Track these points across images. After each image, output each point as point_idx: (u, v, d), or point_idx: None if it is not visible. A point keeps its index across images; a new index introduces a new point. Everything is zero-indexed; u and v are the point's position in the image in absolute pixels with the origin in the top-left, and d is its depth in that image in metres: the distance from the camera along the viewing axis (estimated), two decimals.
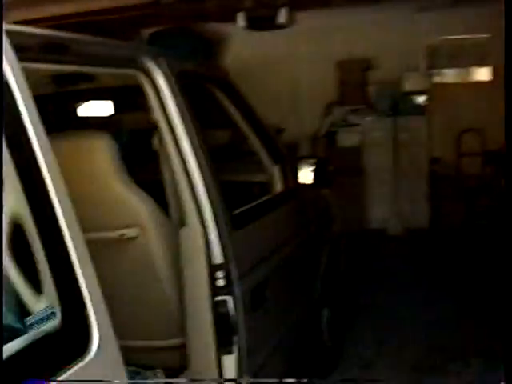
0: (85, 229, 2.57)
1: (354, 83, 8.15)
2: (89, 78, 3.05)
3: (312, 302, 3.73)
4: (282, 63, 8.12)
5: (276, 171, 3.42)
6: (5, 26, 1.44)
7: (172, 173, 2.46)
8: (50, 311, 1.34)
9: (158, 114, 2.42)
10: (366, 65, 8.13)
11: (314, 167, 3.66)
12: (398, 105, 7.92)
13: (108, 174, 2.44)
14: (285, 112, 8.21)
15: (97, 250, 2.61)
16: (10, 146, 1.29)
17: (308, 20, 7.46)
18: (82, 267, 1.47)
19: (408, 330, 4.61)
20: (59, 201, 1.44)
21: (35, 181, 1.39)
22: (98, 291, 1.52)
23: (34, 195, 1.38)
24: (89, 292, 1.46)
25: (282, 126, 8.41)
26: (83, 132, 2.57)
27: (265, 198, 3.27)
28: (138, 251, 2.53)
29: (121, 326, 2.76)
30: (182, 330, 2.53)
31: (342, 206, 4.67)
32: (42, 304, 1.35)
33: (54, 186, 1.43)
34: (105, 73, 2.61)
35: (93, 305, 1.47)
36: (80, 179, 2.49)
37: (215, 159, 2.58)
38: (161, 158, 2.53)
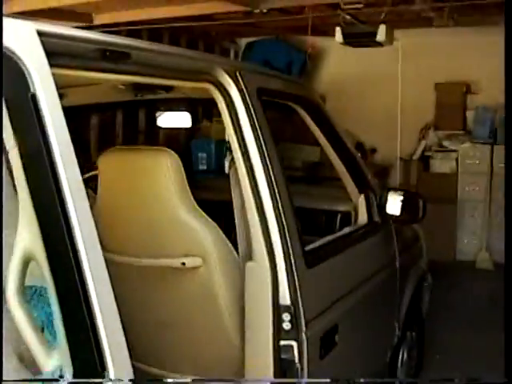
0: (143, 254, 2.39)
1: (452, 107, 7.72)
2: (167, 87, 2.84)
3: (389, 346, 3.41)
4: (378, 82, 7.80)
5: (361, 201, 3.13)
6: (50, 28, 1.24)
7: (242, 199, 2.22)
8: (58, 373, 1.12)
9: (230, 133, 2.18)
10: (465, 88, 7.69)
11: (402, 198, 3.33)
12: (497, 132, 7.43)
13: (172, 196, 2.22)
14: (378, 132, 7.89)
15: (155, 277, 2.43)
16: (28, 174, 1.08)
17: (407, 39, 7.13)
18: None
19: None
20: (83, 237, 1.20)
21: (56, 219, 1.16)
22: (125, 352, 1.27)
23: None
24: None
25: (375, 146, 8.11)
26: (149, 148, 2.37)
27: (345, 230, 2.99)
28: (199, 282, 2.30)
29: (175, 358, 2.57)
30: (241, 370, 2.29)
31: (432, 234, 4.35)
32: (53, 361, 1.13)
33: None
34: (173, 85, 2.40)
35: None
36: (141, 199, 2.29)
37: (294, 180, 2.33)
38: (231, 181, 2.29)
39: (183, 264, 2.24)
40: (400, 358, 3.64)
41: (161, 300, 2.39)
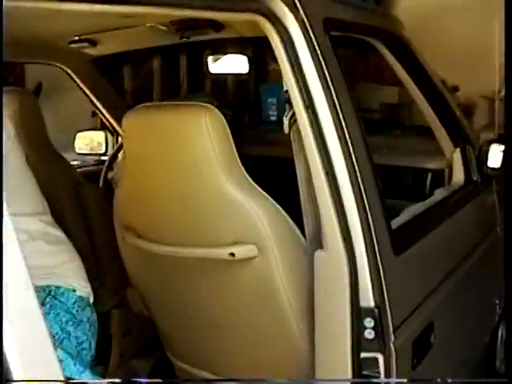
0: (180, 242, 1.89)
1: None
2: (216, 25, 2.28)
3: (490, 328, 2.85)
4: (458, 13, 6.99)
5: (456, 156, 2.54)
6: None
7: (308, 170, 1.67)
8: None
9: (289, 81, 1.62)
10: None
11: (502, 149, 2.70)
12: None
13: (213, 166, 1.69)
14: (460, 69, 7.11)
15: (199, 270, 1.93)
16: None
17: None
18: None
19: None
20: None
21: None
22: None
23: None
24: None
25: (457, 84, 7.35)
26: (182, 105, 1.83)
27: (439, 195, 2.40)
28: (254, 275, 1.78)
29: (228, 362, 2.10)
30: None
31: None
32: None
33: None
34: (216, 18, 1.85)
35: None
36: (174, 172, 1.78)
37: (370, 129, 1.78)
38: (293, 145, 1.73)
39: (232, 255, 1.72)
40: (499, 336, 3.08)
41: (208, 297, 1.89)
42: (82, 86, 2.98)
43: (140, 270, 2.02)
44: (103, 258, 2.42)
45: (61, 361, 1.70)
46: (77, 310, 1.80)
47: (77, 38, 2.56)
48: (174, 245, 1.82)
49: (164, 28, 2.26)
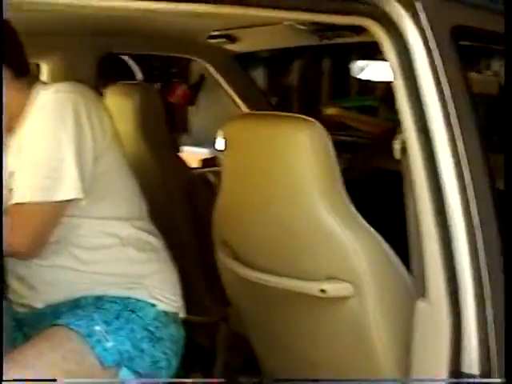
0: (269, 269, 1.68)
1: None
2: (356, 27, 2.07)
3: None
4: None
5: None
6: None
7: (417, 203, 1.42)
8: None
9: (402, 99, 1.38)
10: None
11: None
12: None
13: (312, 189, 1.49)
14: None
15: (290, 301, 1.73)
16: None
17: None
18: None
19: None
20: None
21: None
22: None
23: None
24: None
25: None
26: (284, 116, 1.63)
27: None
28: (345, 317, 1.56)
29: None
30: None
31: None
32: None
33: None
34: (322, 21, 1.63)
35: None
36: (271, 190, 1.60)
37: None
38: (404, 173, 1.48)
39: (323, 291, 1.51)
40: None
41: (299, 330, 1.70)
42: (222, 82, 2.88)
43: (234, 287, 1.87)
44: (212, 265, 2.28)
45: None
46: (156, 327, 1.67)
47: (215, 33, 2.46)
48: (266, 271, 1.64)
49: (303, 28, 2.09)
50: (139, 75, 4.55)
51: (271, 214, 1.60)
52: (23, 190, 1.56)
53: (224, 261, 1.82)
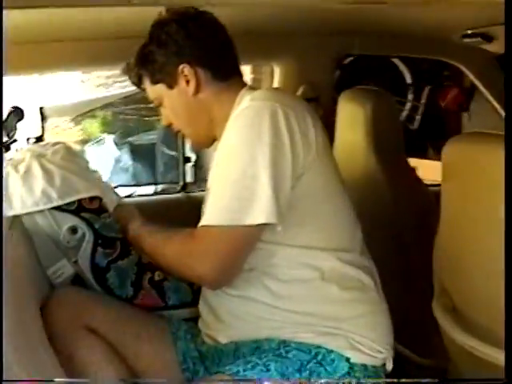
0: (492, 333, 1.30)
1: None
2: None
3: None
4: None
5: None
6: None
7: None
8: None
9: None
10: None
11: None
12: None
13: None
14: None
15: None
16: None
17: None
18: None
19: None
20: None
21: None
22: None
23: None
24: None
25: None
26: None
27: None
28: None
29: None
30: None
31: None
32: None
33: None
34: None
35: None
36: (492, 231, 1.26)
37: None
38: None
39: None
40: None
41: None
42: (481, 87, 2.50)
43: (450, 344, 1.55)
44: None
45: None
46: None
47: (469, 31, 2.12)
48: (487, 336, 1.31)
49: None
50: (408, 78, 4.27)
51: (493, 263, 1.25)
52: (211, 211, 1.41)
53: (441, 312, 1.50)
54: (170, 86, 1.59)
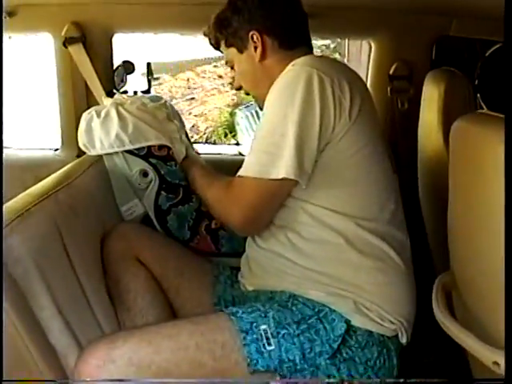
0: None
1: None
2: None
3: None
4: None
5: None
6: None
7: None
8: None
9: None
10: None
11: None
12: None
13: None
14: None
15: None
16: None
17: None
18: None
19: None
20: None
21: None
22: None
23: None
24: None
25: None
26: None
27: None
28: None
29: None
30: None
31: None
32: None
33: None
34: None
35: None
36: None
37: None
38: None
39: None
40: None
41: None
42: None
43: None
44: None
45: None
46: (348, 346, 1.48)
47: None
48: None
49: None
50: None
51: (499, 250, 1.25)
52: (246, 163, 1.55)
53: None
54: (241, 51, 1.73)
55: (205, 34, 1.84)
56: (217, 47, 1.83)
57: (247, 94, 1.89)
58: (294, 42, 1.70)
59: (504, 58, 1.17)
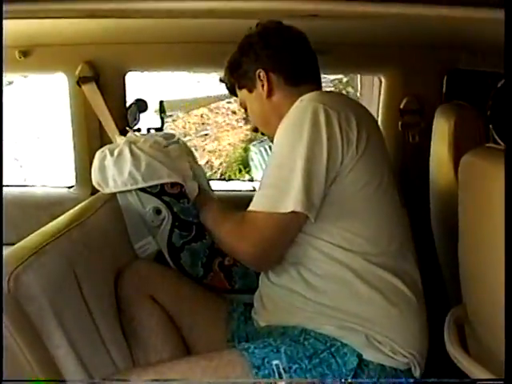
0: None
1: None
2: None
3: None
4: None
5: None
6: None
7: None
8: None
9: None
10: None
11: None
12: None
13: None
14: None
15: None
16: None
17: None
18: None
19: None
20: None
21: None
22: None
23: None
24: None
25: None
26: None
27: None
28: None
29: None
30: None
31: None
32: None
33: None
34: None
35: None
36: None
37: None
38: None
39: None
40: None
41: None
42: None
43: None
44: None
45: None
46: (355, 379, 1.47)
47: None
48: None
49: None
50: None
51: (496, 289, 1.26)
52: (256, 198, 1.57)
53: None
54: (250, 90, 1.78)
55: (221, 81, 1.91)
56: (233, 91, 1.89)
57: (262, 134, 1.92)
58: (300, 79, 1.74)
59: (505, 59, 1.18)
